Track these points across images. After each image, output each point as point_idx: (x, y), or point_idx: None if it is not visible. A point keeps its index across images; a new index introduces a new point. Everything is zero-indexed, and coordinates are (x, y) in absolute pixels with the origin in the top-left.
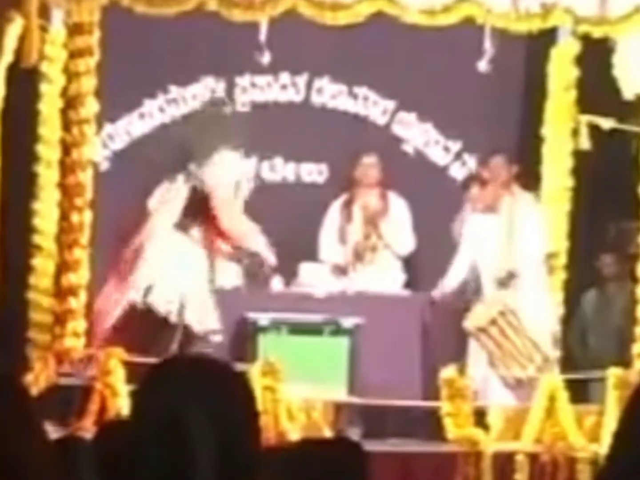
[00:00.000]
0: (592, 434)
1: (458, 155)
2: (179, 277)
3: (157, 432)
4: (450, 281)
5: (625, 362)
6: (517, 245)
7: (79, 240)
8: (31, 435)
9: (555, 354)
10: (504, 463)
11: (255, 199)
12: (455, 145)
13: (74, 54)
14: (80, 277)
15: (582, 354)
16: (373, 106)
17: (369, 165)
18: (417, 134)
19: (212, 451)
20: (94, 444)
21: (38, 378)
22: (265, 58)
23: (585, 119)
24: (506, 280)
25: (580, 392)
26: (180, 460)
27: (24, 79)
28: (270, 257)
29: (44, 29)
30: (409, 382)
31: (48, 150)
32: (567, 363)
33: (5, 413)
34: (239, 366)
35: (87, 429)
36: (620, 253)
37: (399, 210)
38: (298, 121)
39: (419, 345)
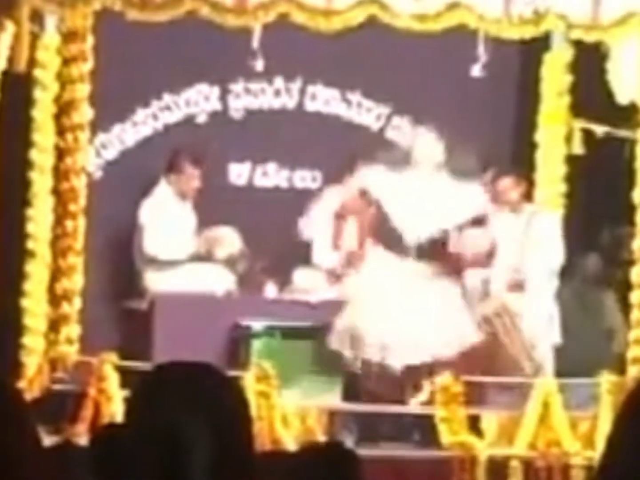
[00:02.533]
0: (587, 439)
1: None
2: None
3: (152, 439)
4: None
5: (613, 366)
6: (532, 253)
7: (73, 246)
8: (25, 438)
9: (549, 365)
10: (498, 469)
11: (248, 204)
12: None
13: (68, 60)
14: (74, 283)
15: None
16: (367, 112)
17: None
18: (411, 139)
19: (206, 457)
20: (90, 449)
21: (32, 384)
22: (259, 64)
23: (578, 124)
24: (516, 286)
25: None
26: (175, 467)
27: (17, 85)
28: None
29: (36, 36)
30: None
31: (42, 157)
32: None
33: None
34: (233, 372)
35: (81, 434)
36: (612, 258)
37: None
38: (292, 127)
39: None
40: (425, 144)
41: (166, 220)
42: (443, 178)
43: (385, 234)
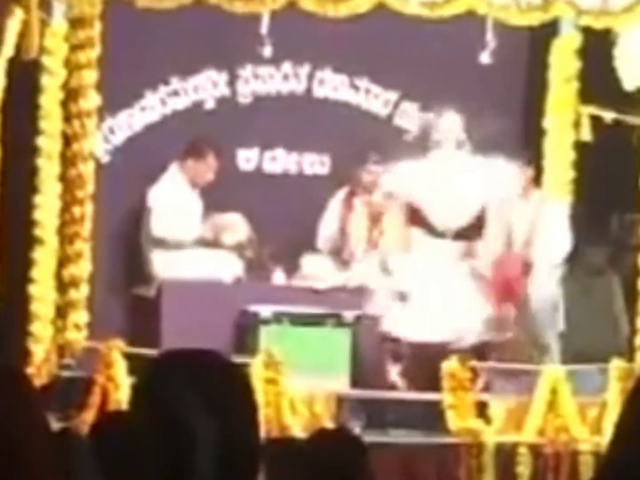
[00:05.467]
0: (595, 426)
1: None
2: None
3: (157, 426)
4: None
5: (621, 353)
6: (539, 239)
7: (80, 232)
8: (33, 425)
9: (556, 350)
10: (507, 455)
11: (257, 190)
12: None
13: (75, 47)
14: (81, 269)
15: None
16: (375, 98)
17: (374, 169)
18: (419, 125)
19: (212, 445)
20: (92, 437)
21: (39, 371)
22: (267, 50)
23: (587, 110)
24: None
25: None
26: (181, 454)
27: (25, 71)
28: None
29: (45, 22)
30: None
31: (49, 143)
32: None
33: (6, 400)
34: (241, 359)
35: (89, 421)
36: (620, 245)
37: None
38: (300, 112)
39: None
40: (446, 123)
41: (175, 203)
42: (466, 156)
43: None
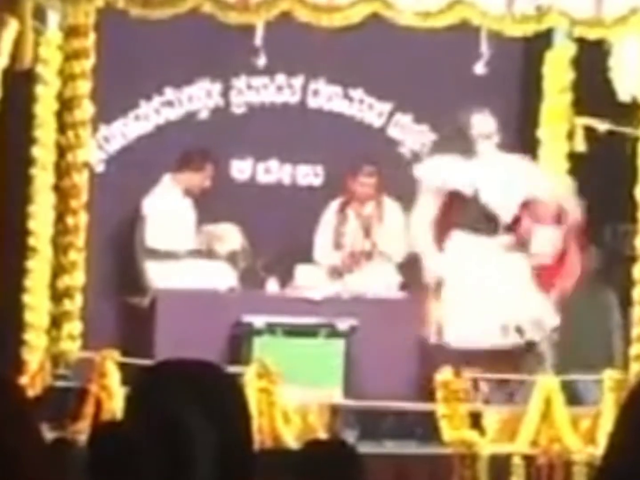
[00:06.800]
0: (588, 436)
1: None
2: None
3: (155, 433)
4: None
5: (614, 363)
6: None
7: (74, 242)
8: (27, 435)
9: (549, 358)
10: (500, 465)
11: (250, 200)
12: None
13: (70, 56)
14: (75, 279)
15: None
16: (369, 109)
17: (367, 180)
18: (413, 137)
19: (211, 450)
20: (88, 447)
21: (34, 381)
22: (261, 61)
23: (581, 121)
24: None
25: None
26: (178, 462)
27: (20, 81)
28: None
29: (39, 32)
30: (405, 384)
31: (43, 153)
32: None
33: (0, 410)
34: (235, 369)
35: (83, 431)
36: (614, 255)
37: (393, 216)
38: (294, 123)
39: (415, 347)
40: (482, 123)
41: (169, 213)
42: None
43: (471, 218)
